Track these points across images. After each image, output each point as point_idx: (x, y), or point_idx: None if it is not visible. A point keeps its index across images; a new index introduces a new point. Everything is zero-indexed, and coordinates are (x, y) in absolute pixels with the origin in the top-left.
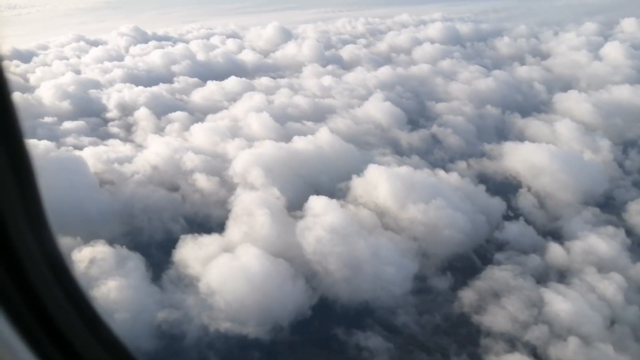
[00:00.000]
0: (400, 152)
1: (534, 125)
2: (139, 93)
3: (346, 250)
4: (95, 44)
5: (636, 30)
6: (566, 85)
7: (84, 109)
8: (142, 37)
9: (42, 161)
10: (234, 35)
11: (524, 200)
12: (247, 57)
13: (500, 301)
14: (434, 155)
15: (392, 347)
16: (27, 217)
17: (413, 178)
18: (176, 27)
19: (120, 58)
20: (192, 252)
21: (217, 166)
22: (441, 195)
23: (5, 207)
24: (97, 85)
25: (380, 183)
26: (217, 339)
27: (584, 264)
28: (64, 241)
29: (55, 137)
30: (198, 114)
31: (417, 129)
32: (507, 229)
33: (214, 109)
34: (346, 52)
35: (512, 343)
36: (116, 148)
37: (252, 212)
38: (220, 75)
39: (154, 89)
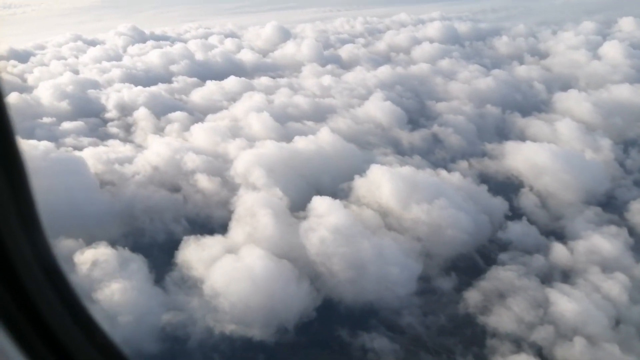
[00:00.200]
0: (401, 151)
1: (534, 124)
2: (138, 93)
3: (350, 251)
4: (92, 43)
5: (634, 29)
6: (565, 84)
7: (83, 109)
8: (140, 37)
9: (42, 162)
10: (232, 35)
11: (526, 200)
12: (246, 56)
13: (505, 301)
14: (435, 155)
15: (397, 348)
16: (20, 220)
17: (416, 178)
18: (174, 27)
19: (118, 58)
20: (195, 253)
21: (219, 166)
22: (444, 195)
23: None
24: (95, 85)
25: (383, 183)
26: (221, 341)
27: (588, 264)
28: (65, 243)
29: (54, 137)
30: (198, 114)
31: (418, 129)
32: (510, 228)
33: (214, 108)
34: (345, 51)
35: (518, 343)
36: (116, 148)
37: (255, 212)
38: (219, 75)
39: (153, 88)
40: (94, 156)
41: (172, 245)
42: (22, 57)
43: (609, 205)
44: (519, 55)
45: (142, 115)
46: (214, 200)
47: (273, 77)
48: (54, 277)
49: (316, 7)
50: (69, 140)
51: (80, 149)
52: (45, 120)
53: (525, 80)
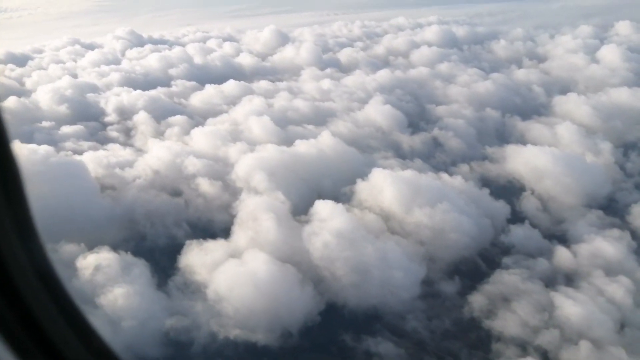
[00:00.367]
0: (402, 155)
1: (534, 128)
2: (137, 97)
3: (353, 255)
4: (90, 47)
5: (631, 33)
6: (564, 88)
7: (82, 113)
8: (138, 41)
9: (42, 166)
10: (230, 39)
11: (528, 204)
12: (245, 60)
13: (510, 305)
14: (436, 159)
15: (402, 352)
16: (16, 227)
17: (418, 181)
18: (172, 31)
19: (116, 62)
20: (197, 257)
21: (219, 170)
22: (446, 198)
23: None
24: (94, 89)
25: (385, 187)
26: (225, 346)
27: (592, 267)
28: (67, 248)
29: (53, 141)
30: (198, 118)
31: (418, 132)
32: (513, 232)
33: (214, 112)
34: (344, 55)
35: (524, 347)
36: (116, 152)
37: (257, 216)
38: (218, 79)
39: (152, 92)
40: (94, 160)
41: (173, 249)
42: (20, 60)
43: (611, 209)
44: (517, 58)
45: (141, 119)
46: (216, 204)
47: (272, 81)
48: (50, 283)
49: (313, 10)
50: (68, 144)
51: (80, 153)
52: (45, 124)
53: (524, 83)
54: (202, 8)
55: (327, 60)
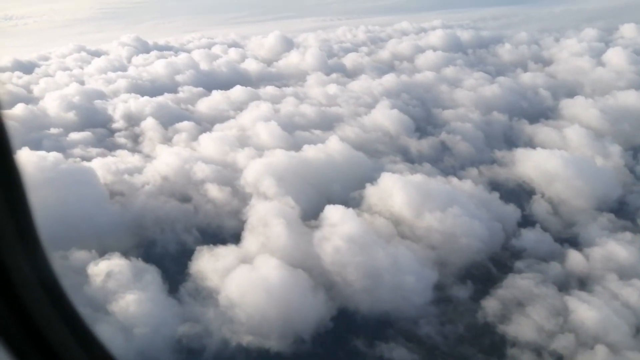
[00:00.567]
0: (410, 159)
1: (542, 131)
2: (145, 103)
3: (365, 260)
4: (96, 54)
5: (636, 36)
6: (571, 91)
7: (90, 119)
8: (144, 47)
9: (51, 173)
10: (235, 45)
11: (539, 207)
12: (251, 66)
13: (524, 310)
14: (444, 163)
15: (416, 358)
16: (19, 237)
17: (428, 186)
18: (177, 37)
19: (123, 68)
20: (208, 263)
21: (228, 176)
22: (456, 202)
23: None
24: (101, 95)
25: (395, 191)
26: (238, 353)
27: (605, 271)
28: (78, 255)
29: (62, 148)
30: (205, 124)
31: (426, 136)
32: (524, 236)
33: (221, 118)
34: (349, 60)
35: (539, 352)
36: (125, 159)
37: (267, 222)
38: (225, 85)
39: (160, 99)
40: (103, 167)
41: (184, 255)
42: (27, 68)
43: (622, 212)
44: (523, 62)
45: (149, 125)
46: (225, 210)
47: (278, 87)
48: (54, 294)
49: (316, 16)
50: (76, 151)
51: (88, 159)
52: (53, 131)
53: (530, 87)
54: (205, 15)
55: (333, 65)
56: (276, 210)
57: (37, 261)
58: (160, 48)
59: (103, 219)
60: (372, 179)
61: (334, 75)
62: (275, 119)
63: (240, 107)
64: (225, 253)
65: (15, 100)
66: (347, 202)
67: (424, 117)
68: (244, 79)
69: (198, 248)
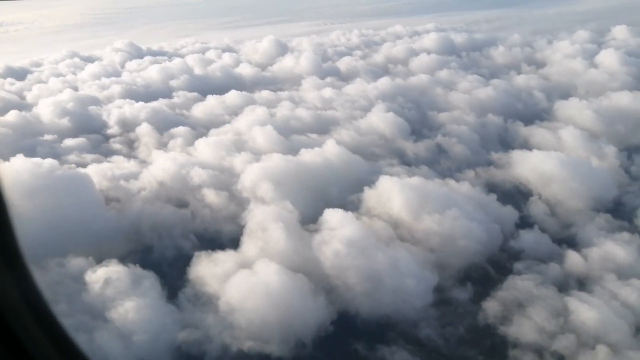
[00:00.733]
0: (407, 162)
1: (537, 133)
2: (140, 109)
3: (364, 263)
4: (89, 60)
5: (628, 37)
6: (565, 93)
7: (84, 125)
8: (137, 53)
9: (47, 180)
10: (229, 49)
11: (536, 209)
12: (245, 70)
13: (525, 311)
14: (441, 165)
15: None
16: (2, 257)
17: (425, 188)
18: (170, 42)
19: (117, 74)
20: (207, 269)
21: (225, 181)
22: (455, 205)
23: None
24: (95, 101)
25: (393, 194)
26: (239, 359)
27: (603, 271)
28: (75, 262)
29: (56, 154)
30: (200, 129)
31: (422, 139)
32: (522, 237)
33: (216, 123)
34: (343, 63)
35: (540, 353)
36: (120, 164)
37: (266, 226)
38: (220, 89)
39: (154, 104)
40: (98, 173)
41: (182, 261)
42: (19, 74)
43: (618, 212)
44: (516, 64)
45: (144, 130)
46: (223, 215)
47: (273, 91)
48: (40, 313)
49: (309, 20)
50: (71, 157)
51: (83, 165)
52: (47, 137)
53: (524, 89)
54: (197, 20)
55: (327, 69)
56: (275, 214)
57: (22, 280)
58: (154, 53)
59: (99, 225)
60: (370, 182)
61: (328, 79)
62: (271, 123)
63: (235, 112)
64: (224, 258)
65: (8, 106)
66: (345, 206)
67: (419, 120)
68: (239, 84)
69: (196, 253)
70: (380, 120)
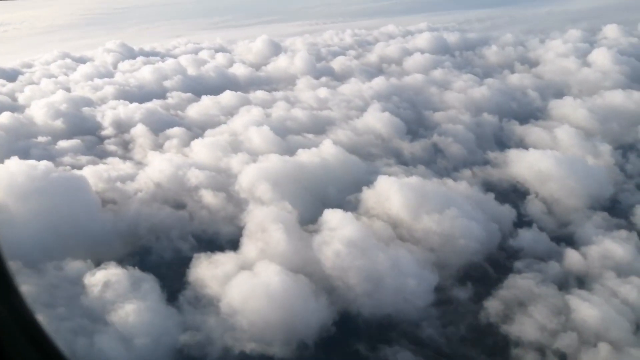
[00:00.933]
0: (403, 162)
1: (532, 132)
2: (134, 110)
3: (365, 263)
4: (81, 60)
5: (619, 36)
6: (558, 91)
7: (78, 127)
8: (129, 53)
9: (42, 182)
10: (222, 50)
11: (533, 207)
12: (239, 70)
13: (526, 310)
14: (438, 165)
15: None
16: None
17: (424, 188)
18: (162, 42)
19: (109, 75)
20: (207, 270)
21: (223, 182)
22: (453, 204)
23: None
24: (89, 102)
25: (392, 194)
26: None
27: (602, 269)
28: (73, 265)
29: (51, 156)
30: (196, 129)
31: (418, 139)
32: (521, 236)
33: (212, 123)
34: (337, 63)
35: (542, 352)
36: (116, 166)
37: (265, 227)
38: (214, 90)
39: (149, 105)
40: (94, 174)
41: (181, 263)
42: (10, 75)
43: (615, 210)
44: (510, 64)
45: (139, 131)
46: (221, 216)
47: (268, 91)
48: (32, 333)
49: (300, 20)
50: (66, 159)
51: (78, 167)
52: (40, 139)
53: (518, 88)
54: (188, 20)
55: (321, 68)
56: (274, 215)
57: (13, 302)
58: (146, 54)
59: (96, 227)
60: (367, 182)
61: (323, 79)
62: (267, 124)
63: (230, 112)
64: (224, 260)
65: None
66: (343, 206)
67: (415, 120)
68: (233, 84)
69: (195, 255)
70: (376, 120)
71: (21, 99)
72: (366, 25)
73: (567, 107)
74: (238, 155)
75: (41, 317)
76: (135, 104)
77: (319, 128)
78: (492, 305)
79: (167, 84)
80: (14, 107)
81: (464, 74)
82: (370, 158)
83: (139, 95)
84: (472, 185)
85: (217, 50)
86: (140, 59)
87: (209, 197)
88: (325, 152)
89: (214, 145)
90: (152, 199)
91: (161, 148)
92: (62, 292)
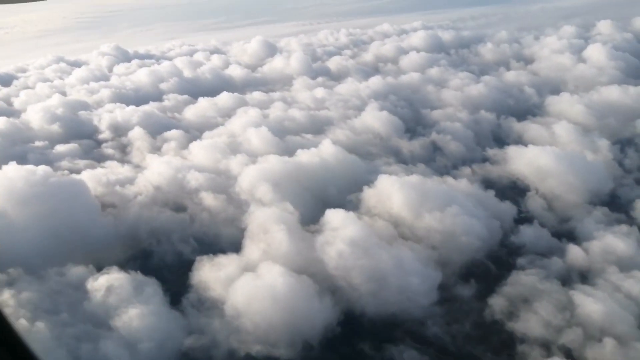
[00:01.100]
0: (403, 160)
1: (530, 128)
2: (131, 113)
3: (368, 262)
4: (76, 64)
5: (613, 32)
6: (555, 88)
7: (75, 131)
8: (124, 56)
9: (41, 187)
10: (217, 51)
11: (534, 203)
12: (235, 72)
13: (530, 306)
14: (437, 163)
15: (426, 359)
16: None
17: (424, 186)
18: (157, 45)
19: (105, 78)
20: (210, 273)
21: (222, 183)
22: (454, 202)
23: None
24: (85, 106)
25: (393, 193)
26: None
27: (605, 264)
28: (75, 270)
29: (48, 161)
30: (193, 132)
31: (416, 137)
32: (522, 232)
33: (209, 125)
34: (333, 63)
35: (548, 347)
36: (114, 170)
37: (267, 228)
38: (210, 92)
39: (145, 107)
40: (92, 178)
41: (183, 266)
42: (5, 80)
43: (615, 205)
44: (505, 61)
45: (137, 134)
46: (221, 218)
47: (265, 92)
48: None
49: (294, 21)
50: (64, 163)
51: (76, 171)
52: (37, 144)
53: (515, 85)
54: (181, 22)
55: (318, 69)
56: (275, 216)
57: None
58: (141, 56)
59: (97, 232)
60: (367, 181)
61: (319, 79)
62: (264, 125)
63: (228, 114)
64: (227, 262)
65: None
66: (344, 206)
67: (413, 118)
68: (229, 85)
69: (198, 258)
70: (374, 119)
71: (17, 103)
72: (360, 24)
73: (564, 103)
74: (237, 157)
75: (44, 324)
76: (131, 107)
77: (317, 128)
78: (497, 302)
79: (164, 86)
80: (10, 112)
81: (460, 72)
82: (370, 157)
83: (136, 98)
84: (472, 182)
85: (212, 52)
86: (135, 61)
87: (209, 199)
88: (324, 152)
89: (213, 147)
90: (152, 202)
91: (159, 151)
92: (65, 298)
